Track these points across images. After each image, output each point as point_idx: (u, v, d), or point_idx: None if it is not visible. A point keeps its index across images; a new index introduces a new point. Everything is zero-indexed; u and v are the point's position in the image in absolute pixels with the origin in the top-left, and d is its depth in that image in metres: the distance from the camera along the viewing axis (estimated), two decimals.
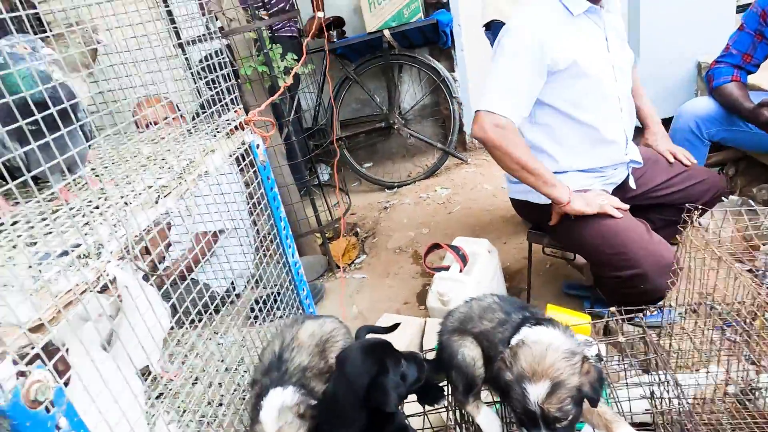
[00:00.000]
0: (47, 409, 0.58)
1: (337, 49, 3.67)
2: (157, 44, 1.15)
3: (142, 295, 0.83)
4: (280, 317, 1.55)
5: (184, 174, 0.89)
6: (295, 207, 3.00)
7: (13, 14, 0.62)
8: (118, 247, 0.73)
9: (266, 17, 2.89)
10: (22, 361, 0.56)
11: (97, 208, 0.77)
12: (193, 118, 1.47)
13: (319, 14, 3.45)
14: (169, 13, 2.19)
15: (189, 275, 1.42)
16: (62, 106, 0.68)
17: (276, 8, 3.45)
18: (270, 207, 1.24)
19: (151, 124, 2.03)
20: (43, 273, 0.62)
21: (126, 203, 0.77)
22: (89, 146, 0.89)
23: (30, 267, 0.64)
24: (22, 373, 0.55)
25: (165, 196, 0.83)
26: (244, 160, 1.15)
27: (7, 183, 0.66)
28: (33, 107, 0.65)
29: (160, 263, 0.90)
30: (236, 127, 1.13)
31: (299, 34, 3.61)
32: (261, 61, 2.65)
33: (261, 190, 1.20)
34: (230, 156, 1.12)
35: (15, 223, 0.81)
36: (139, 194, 0.84)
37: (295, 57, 2.74)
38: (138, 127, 1.91)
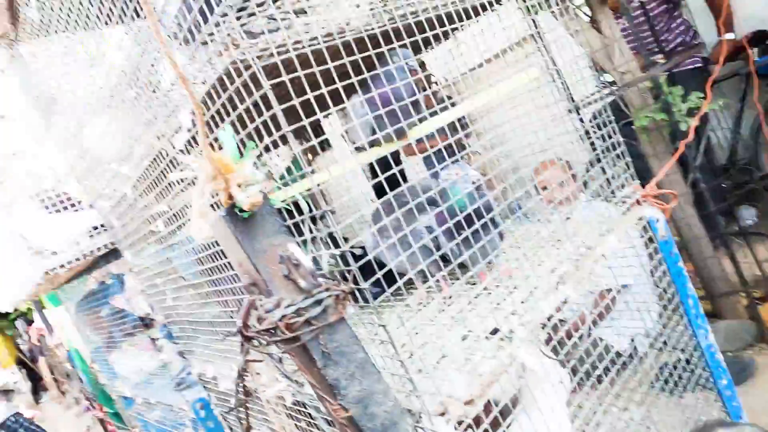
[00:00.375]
0: None
1: (759, 69, 3.04)
2: (550, 108, 1.26)
3: (546, 374, 0.92)
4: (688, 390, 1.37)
5: (582, 260, 0.95)
6: (708, 262, 2.60)
7: (461, 154, 0.86)
8: (526, 332, 0.85)
9: (663, 60, 2.70)
10: (460, 427, 0.73)
11: (511, 293, 0.92)
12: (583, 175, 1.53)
13: (729, 36, 2.97)
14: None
15: (581, 333, 1.43)
16: (485, 219, 0.87)
17: (673, 44, 3.17)
18: (674, 284, 1.14)
19: (548, 187, 2.18)
20: (473, 354, 0.79)
21: (531, 291, 0.89)
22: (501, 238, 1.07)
23: (462, 344, 0.82)
24: None
25: (564, 284, 0.90)
26: (642, 235, 1.11)
27: (446, 268, 0.88)
28: (462, 219, 0.87)
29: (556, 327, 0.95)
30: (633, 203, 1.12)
31: (705, 64, 3.19)
32: (659, 108, 2.48)
33: (662, 266, 1.13)
34: (626, 233, 1.11)
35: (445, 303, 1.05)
36: (542, 278, 0.95)
37: (701, 95, 2.43)
38: (537, 192, 2.10)
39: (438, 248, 0.95)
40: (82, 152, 1.42)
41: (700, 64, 3.18)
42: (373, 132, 0.87)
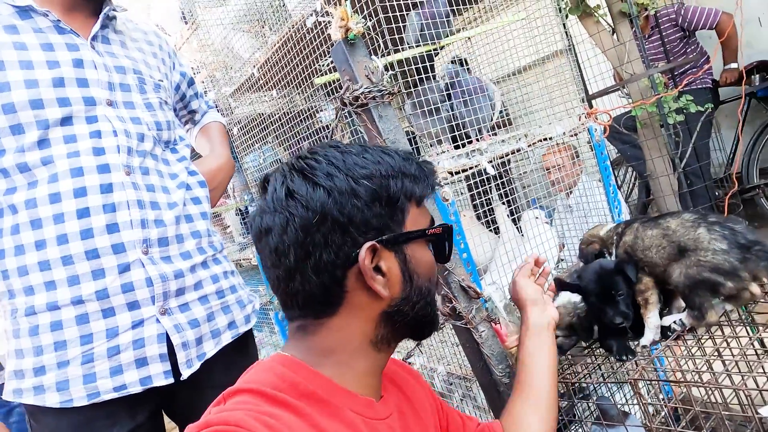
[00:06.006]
0: None
1: (758, 91, 3.53)
2: (569, 101, 1.80)
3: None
4: None
5: None
6: None
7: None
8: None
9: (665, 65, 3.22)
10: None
11: None
12: None
13: (733, 65, 3.48)
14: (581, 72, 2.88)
15: None
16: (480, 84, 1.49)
17: (686, 66, 3.68)
18: (601, 173, 1.69)
19: (557, 168, 2.56)
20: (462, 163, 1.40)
21: None
22: None
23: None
24: None
25: None
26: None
27: None
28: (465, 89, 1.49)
29: None
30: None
31: (714, 85, 3.69)
32: (653, 103, 3.01)
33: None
34: None
35: None
36: None
37: (691, 98, 2.95)
38: (547, 172, 2.58)
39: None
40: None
41: (709, 85, 3.68)
42: (421, 36, 1.49)
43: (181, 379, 1.15)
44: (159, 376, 1.12)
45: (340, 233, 0.72)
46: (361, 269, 0.73)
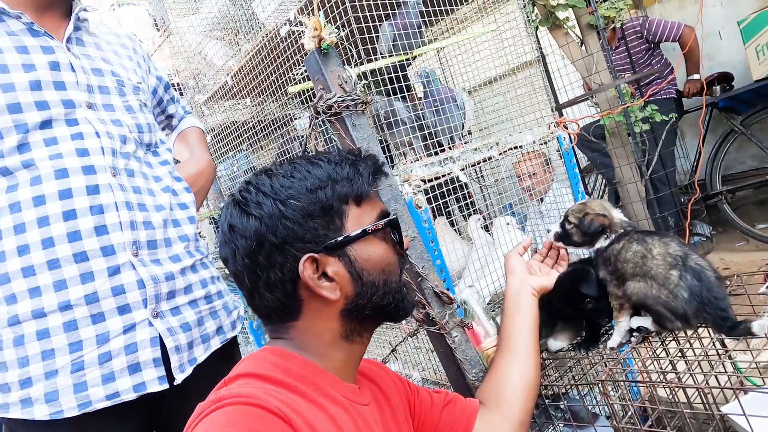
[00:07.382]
0: None
1: (719, 102, 3.67)
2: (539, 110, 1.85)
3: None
4: None
5: None
6: None
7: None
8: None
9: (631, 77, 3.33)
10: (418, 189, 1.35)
11: None
12: None
13: (695, 76, 3.62)
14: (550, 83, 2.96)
15: None
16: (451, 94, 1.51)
17: (651, 77, 3.81)
18: (570, 180, 1.74)
19: (529, 176, 2.64)
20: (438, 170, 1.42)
21: None
22: None
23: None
24: None
25: None
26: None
27: None
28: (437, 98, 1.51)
29: None
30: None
31: (678, 95, 3.83)
32: (621, 113, 3.11)
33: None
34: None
35: None
36: None
37: (656, 107, 3.06)
38: (520, 180, 2.66)
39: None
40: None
41: (674, 95, 3.82)
42: (393, 46, 1.51)
43: (175, 383, 1.12)
44: (153, 381, 1.08)
45: (280, 253, 0.79)
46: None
